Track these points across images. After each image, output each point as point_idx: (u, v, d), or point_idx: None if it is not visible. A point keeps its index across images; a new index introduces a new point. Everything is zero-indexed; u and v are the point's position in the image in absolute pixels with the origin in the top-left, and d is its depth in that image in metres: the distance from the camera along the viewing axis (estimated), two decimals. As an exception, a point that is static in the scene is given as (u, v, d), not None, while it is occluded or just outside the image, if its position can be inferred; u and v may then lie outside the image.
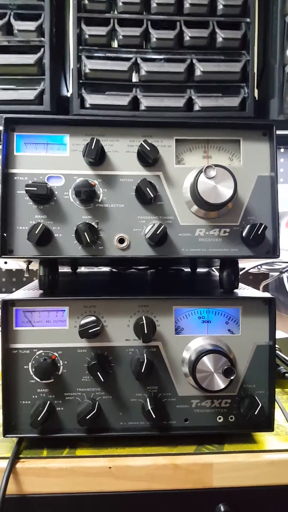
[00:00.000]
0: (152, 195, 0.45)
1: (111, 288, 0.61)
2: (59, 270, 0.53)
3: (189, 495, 0.46)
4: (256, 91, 0.93)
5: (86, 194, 0.45)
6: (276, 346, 0.65)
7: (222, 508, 0.46)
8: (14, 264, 1.09)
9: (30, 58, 0.83)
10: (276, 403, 0.49)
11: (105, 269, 0.84)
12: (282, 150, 1.19)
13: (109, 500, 0.45)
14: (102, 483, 0.45)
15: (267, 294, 0.50)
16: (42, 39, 0.84)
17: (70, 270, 0.79)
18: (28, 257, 0.46)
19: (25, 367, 0.47)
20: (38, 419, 0.44)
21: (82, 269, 0.82)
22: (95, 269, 0.84)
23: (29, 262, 0.56)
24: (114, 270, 0.81)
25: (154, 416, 0.45)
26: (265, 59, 0.89)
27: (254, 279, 1.09)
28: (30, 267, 0.60)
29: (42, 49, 0.83)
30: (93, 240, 0.45)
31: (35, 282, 0.57)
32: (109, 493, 0.45)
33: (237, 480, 0.46)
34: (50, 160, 0.47)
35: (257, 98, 0.91)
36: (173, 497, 0.46)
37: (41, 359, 0.46)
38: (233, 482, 0.46)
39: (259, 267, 0.78)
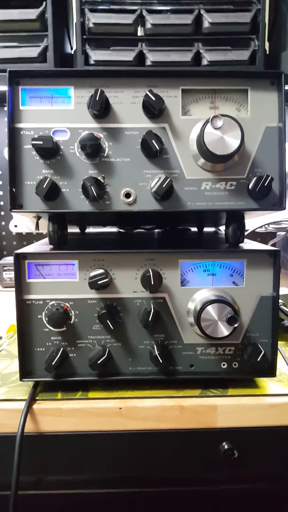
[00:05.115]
0: (157, 148, 0.45)
1: (119, 244, 0.62)
2: (68, 231, 0.54)
3: (195, 434, 0.49)
4: (267, 44, 0.88)
5: (92, 148, 0.45)
6: (280, 300, 0.66)
7: (225, 446, 0.49)
8: (24, 227, 1.10)
9: (32, 13, 0.80)
10: (279, 353, 0.50)
11: (113, 229, 0.85)
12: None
13: (119, 438, 0.49)
14: (113, 422, 0.48)
15: (271, 247, 0.51)
16: (43, -9, 0.80)
17: (78, 230, 0.80)
18: (37, 211, 0.47)
19: (38, 316, 0.49)
20: (52, 363, 0.47)
21: (91, 229, 0.83)
22: (103, 230, 0.85)
23: (39, 218, 0.57)
24: (121, 230, 0.82)
25: (161, 361, 0.47)
26: (277, 8, 0.84)
27: (262, 240, 1.08)
28: (40, 229, 0.61)
29: (44, 3, 0.80)
30: (100, 194, 0.46)
31: (46, 239, 0.59)
32: (119, 432, 0.48)
33: (240, 421, 0.48)
34: (55, 113, 0.47)
35: (267, 52, 0.87)
36: (179, 436, 0.49)
37: (53, 309, 0.48)
38: (236, 422, 0.49)
39: (266, 226, 0.78)
